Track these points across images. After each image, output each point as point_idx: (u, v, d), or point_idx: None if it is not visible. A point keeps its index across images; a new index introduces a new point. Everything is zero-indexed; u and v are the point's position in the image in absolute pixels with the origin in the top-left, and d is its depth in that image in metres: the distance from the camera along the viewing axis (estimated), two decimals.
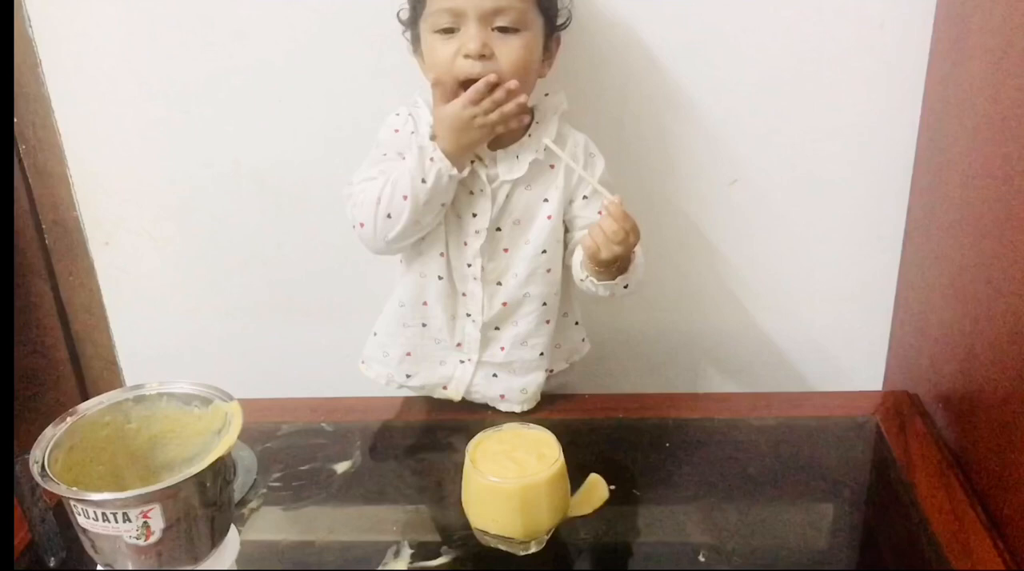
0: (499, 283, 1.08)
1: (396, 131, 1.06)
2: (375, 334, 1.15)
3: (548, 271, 1.07)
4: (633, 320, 1.32)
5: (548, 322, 1.09)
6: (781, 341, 1.33)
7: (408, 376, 1.14)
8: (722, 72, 1.17)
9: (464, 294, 1.09)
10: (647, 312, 1.32)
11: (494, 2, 0.96)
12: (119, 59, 1.23)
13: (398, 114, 1.07)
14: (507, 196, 1.05)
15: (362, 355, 1.16)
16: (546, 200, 1.06)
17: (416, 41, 1.06)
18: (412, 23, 1.05)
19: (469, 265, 1.07)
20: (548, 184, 1.06)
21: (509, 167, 1.05)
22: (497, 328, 1.10)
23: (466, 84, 0.98)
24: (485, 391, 1.13)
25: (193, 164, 1.28)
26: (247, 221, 1.31)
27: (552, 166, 1.06)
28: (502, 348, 1.10)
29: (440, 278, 1.09)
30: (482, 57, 0.97)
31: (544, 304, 1.08)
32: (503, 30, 0.98)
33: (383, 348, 1.14)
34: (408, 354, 1.13)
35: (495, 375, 1.12)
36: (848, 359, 1.32)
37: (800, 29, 1.15)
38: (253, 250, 1.33)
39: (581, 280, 1.04)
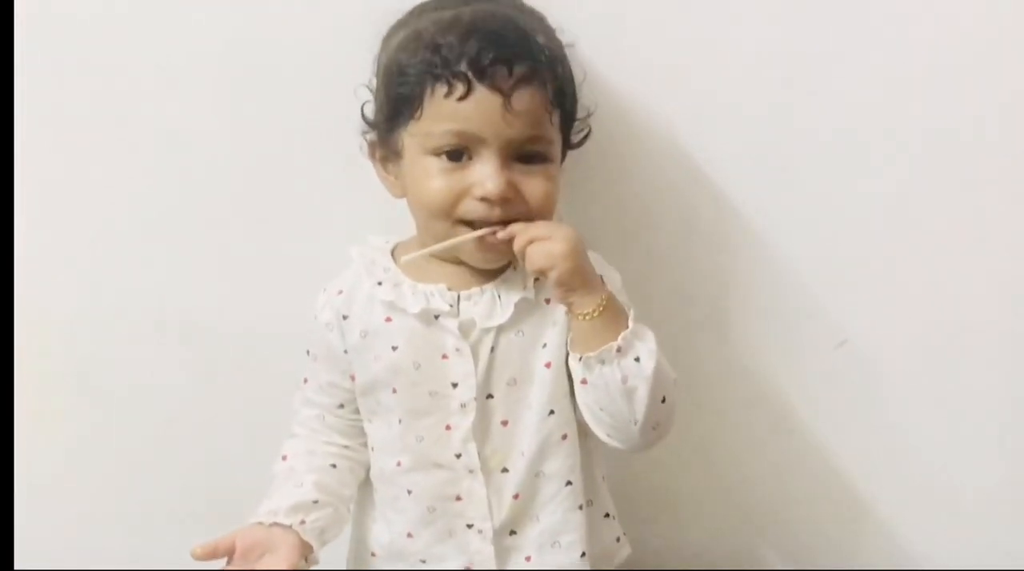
0: (505, 470, 0.95)
1: (315, 318, 0.99)
2: None
3: (564, 438, 0.94)
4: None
5: (581, 508, 0.97)
6: None
7: None
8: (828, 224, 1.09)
9: (459, 498, 0.95)
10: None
11: (525, 129, 0.86)
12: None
13: (325, 289, 0.99)
14: (492, 349, 0.93)
15: None
16: (544, 345, 0.93)
17: (386, 148, 0.93)
18: (387, 128, 0.92)
19: (459, 455, 0.94)
20: (544, 324, 0.94)
21: (489, 311, 0.93)
22: (514, 532, 0.96)
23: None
24: None
25: (104, 318, 1.17)
26: (171, 394, 1.19)
27: (548, 300, 0.93)
28: (527, 558, 0.97)
29: (410, 493, 0.96)
30: (504, 200, 0.87)
31: (568, 483, 0.95)
32: (527, 160, 0.88)
33: None
34: None
35: None
36: None
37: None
38: (177, 436, 1.19)
39: (582, 381, 0.90)
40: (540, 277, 0.89)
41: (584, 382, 0.89)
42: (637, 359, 0.86)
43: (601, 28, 1.02)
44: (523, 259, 0.87)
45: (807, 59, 1.06)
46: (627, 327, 0.87)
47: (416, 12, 0.91)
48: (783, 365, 1.13)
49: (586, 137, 0.97)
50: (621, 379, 0.86)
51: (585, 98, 0.96)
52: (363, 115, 0.95)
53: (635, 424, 0.88)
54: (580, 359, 0.88)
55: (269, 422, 1.04)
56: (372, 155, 0.95)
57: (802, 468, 1.15)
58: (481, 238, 0.87)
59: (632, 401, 0.87)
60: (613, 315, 0.87)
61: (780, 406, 1.14)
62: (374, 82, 0.93)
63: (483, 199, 0.86)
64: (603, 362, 0.86)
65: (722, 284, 1.11)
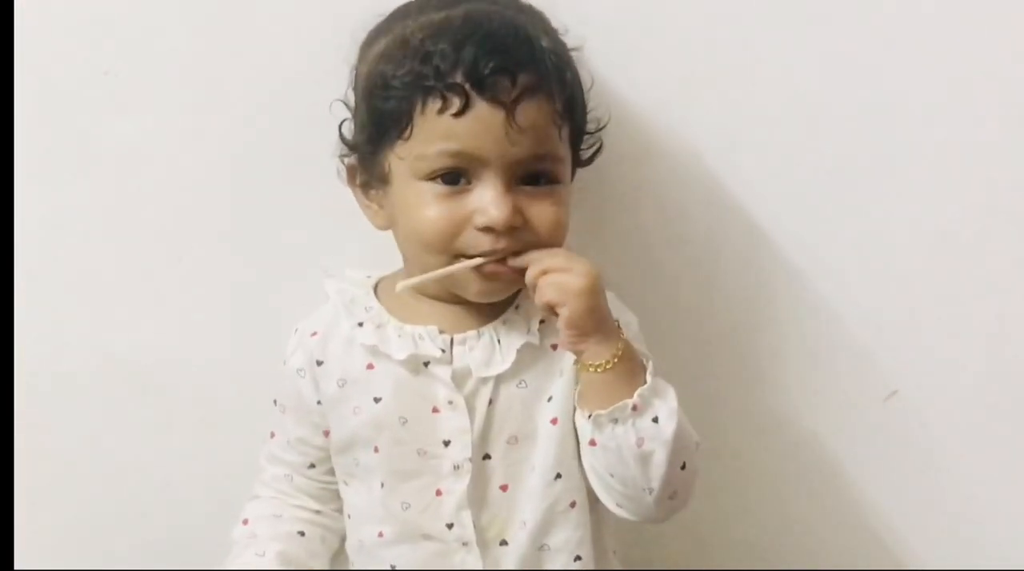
0: (504, 542, 0.90)
1: (285, 363, 0.95)
2: None
3: (572, 506, 0.90)
4: None
5: None
6: None
7: None
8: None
9: None
10: None
11: (531, 147, 0.81)
12: None
13: (297, 330, 0.95)
14: (490, 402, 0.88)
15: None
16: (550, 398, 0.89)
17: (369, 173, 0.88)
18: (370, 150, 0.86)
19: (451, 525, 0.89)
20: (550, 374, 0.89)
21: (487, 358, 0.88)
22: None
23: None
24: None
25: (49, 360, 1.10)
26: (121, 446, 1.12)
27: (554, 346, 0.88)
28: None
29: (394, 569, 0.91)
30: (511, 229, 0.82)
31: (577, 558, 0.91)
32: (533, 181, 0.83)
33: None
34: None
35: None
36: None
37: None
38: (127, 494, 1.12)
39: (590, 442, 0.86)
40: (548, 315, 0.83)
41: (593, 443, 0.84)
42: (655, 419, 0.81)
43: (610, 28, 0.98)
44: (534, 292, 0.82)
45: (851, 63, 1.00)
46: (645, 382, 0.82)
47: (399, 14, 0.85)
48: (824, 421, 1.08)
49: (597, 153, 0.92)
50: (636, 442, 0.81)
51: (594, 108, 0.91)
52: (341, 135, 0.89)
53: (650, 493, 0.83)
54: (589, 417, 0.83)
55: (231, 480, 1.00)
56: (351, 181, 0.89)
57: (847, 537, 1.10)
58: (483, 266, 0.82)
59: (647, 467, 0.82)
60: (629, 367, 0.82)
61: (822, 467, 1.09)
62: (352, 97, 0.88)
63: (486, 229, 0.81)
64: (616, 421, 0.81)
65: (754, 327, 1.06)
